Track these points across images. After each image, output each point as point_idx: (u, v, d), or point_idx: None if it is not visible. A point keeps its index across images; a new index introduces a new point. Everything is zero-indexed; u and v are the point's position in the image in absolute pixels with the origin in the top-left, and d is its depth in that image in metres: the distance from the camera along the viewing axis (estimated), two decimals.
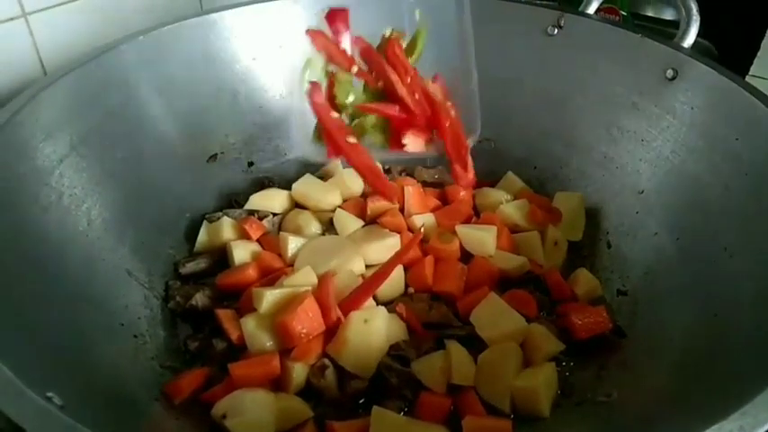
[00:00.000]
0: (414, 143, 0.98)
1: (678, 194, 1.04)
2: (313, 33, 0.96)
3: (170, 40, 1.15)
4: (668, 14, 1.67)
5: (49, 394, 0.59)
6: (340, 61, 0.95)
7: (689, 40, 1.11)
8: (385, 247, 1.09)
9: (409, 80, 0.96)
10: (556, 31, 1.23)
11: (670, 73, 1.08)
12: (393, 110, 0.96)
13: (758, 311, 0.77)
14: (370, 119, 0.97)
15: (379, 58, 0.97)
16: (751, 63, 1.51)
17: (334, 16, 0.97)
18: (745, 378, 0.62)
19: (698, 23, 1.12)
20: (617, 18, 1.62)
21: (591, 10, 1.26)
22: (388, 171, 1.33)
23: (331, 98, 0.96)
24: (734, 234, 0.90)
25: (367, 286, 0.98)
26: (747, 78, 1.43)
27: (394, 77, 0.95)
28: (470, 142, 1.00)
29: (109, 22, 1.20)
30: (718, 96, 1.01)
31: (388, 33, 1.00)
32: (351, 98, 0.95)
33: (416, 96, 0.96)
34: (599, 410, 0.87)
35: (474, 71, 1.00)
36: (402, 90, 0.94)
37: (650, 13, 1.87)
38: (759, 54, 1.54)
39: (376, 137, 0.98)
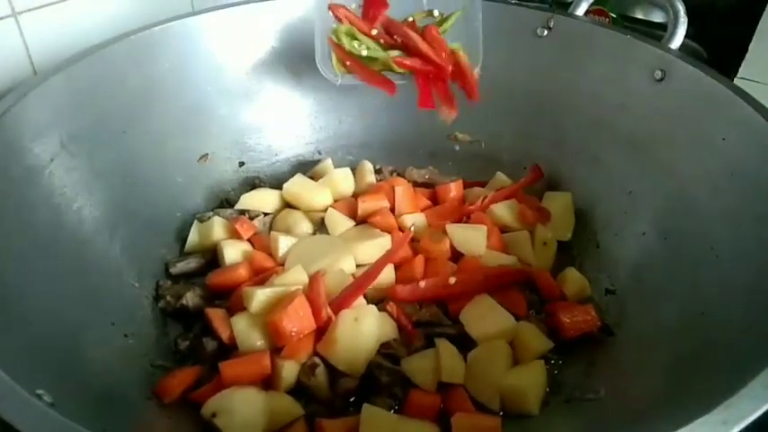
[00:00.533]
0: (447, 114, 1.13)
1: (666, 194, 1.05)
2: (335, 7, 1.11)
3: (161, 39, 1.15)
4: (657, 17, 1.68)
5: (39, 392, 0.59)
6: (360, 26, 1.10)
7: (676, 42, 1.12)
8: (376, 246, 1.10)
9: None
10: (545, 32, 1.24)
11: (658, 74, 1.09)
12: (417, 63, 1.11)
13: (743, 309, 0.78)
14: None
15: (400, 25, 1.13)
16: (739, 65, 1.53)
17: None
18: (729, 374, 0.63)
19: (685, 25, 1.13)
20: (606, 20, 1.64)
21: (580, 12, 1.27)
22: (379, 171, 1.33)
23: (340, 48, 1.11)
24: (720, 233, 0.91)
25: (357, 285, 0.99)
26: (736, 81, 1.44)
27: (415, 37, 1.10)
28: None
29: (99, 21, 1.20)
30: (705, 97, 1.02)
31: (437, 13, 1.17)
32: (359, 47, 1.10)
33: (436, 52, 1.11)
34: (587, 407, 0.88)
35: (480, 8, 1.12)
36: (423, 46, 1.10)
37: (640, 16, 1.89)
38: (747, 57, 1.56)
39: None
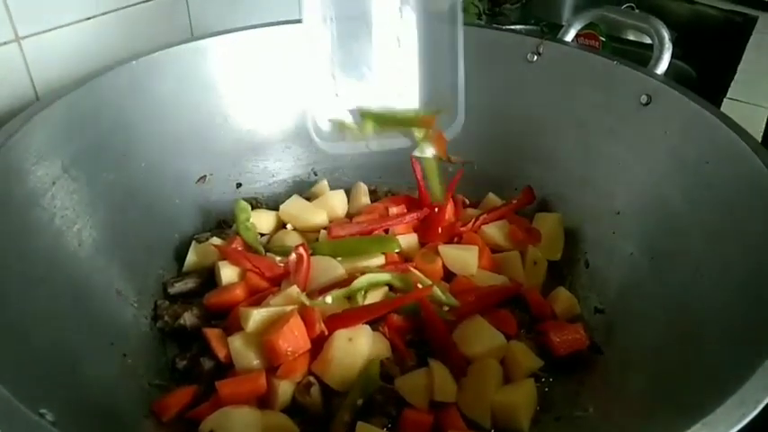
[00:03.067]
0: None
1: (652, 215, 1.08)
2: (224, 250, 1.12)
3: (161, 64, 1.17)
4: (648, 38, 1.72)
5: (42, 410, 0.61)
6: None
7: (662, 67, 1.16)
8: (368, 266, 1.12)
9: None
10: (535, 57, 1.27)
11: (644, 98, 1.12)
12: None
13: (724, 328, 0.80)
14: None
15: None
16: (728, 86, 1.56)
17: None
18: (709, 392, 0.65)
19: (670, 51, 1.17)
20: (596, 44, 1.68)
21: (570, 36, 1.31)
22: (373, 191, 1.36)
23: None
24: (704, 253, 0.93)
25: (357, 314, 0.99)
26: (725, 101, 1.47)
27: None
28: (452, 133, 1.07)
29: (101, 47, 1.22)
30: (689, 121, 1.04)
31: None
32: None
33: None
34: (576, 425, 0.90)
35: (461, 64, 1.03)
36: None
37: (632, 38, 1.94)
38: (736, 78, 1.59)
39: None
